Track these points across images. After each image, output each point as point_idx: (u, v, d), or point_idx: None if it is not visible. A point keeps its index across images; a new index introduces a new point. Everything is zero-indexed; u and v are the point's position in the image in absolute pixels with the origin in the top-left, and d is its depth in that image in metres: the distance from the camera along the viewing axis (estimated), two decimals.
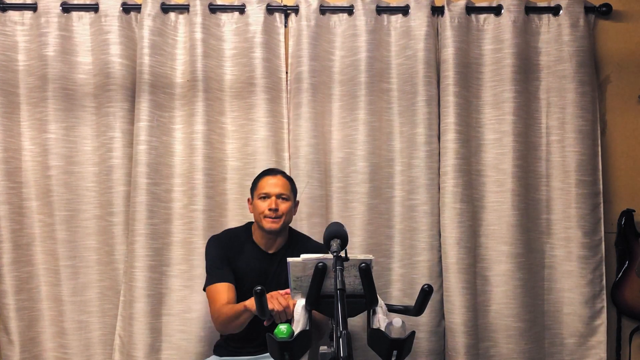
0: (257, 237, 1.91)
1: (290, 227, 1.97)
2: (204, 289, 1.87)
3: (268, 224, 1.82)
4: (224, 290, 1.78)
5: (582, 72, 2.23)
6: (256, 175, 1.96)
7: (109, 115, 2.18)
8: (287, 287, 1.77)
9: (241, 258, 1.88)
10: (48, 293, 2.20)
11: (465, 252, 2.18)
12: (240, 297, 1.80)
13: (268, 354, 1.80)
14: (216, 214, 2.19)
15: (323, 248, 1.96)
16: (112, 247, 2.19)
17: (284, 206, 1.83)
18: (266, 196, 1.83)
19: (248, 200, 1.95)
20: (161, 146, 2.17)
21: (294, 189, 1.92)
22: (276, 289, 1.75)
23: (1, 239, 2.14)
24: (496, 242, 2.23)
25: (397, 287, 2.25)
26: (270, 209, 1.81)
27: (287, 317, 1.57)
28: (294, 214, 1.94)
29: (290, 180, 1.91)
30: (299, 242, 1.95)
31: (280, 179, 1.87)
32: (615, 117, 2.36)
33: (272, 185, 1.84)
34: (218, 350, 1.97)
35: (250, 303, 1.60)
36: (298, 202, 1.99)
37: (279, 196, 1.83)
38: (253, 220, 1.92)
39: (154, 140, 2.15)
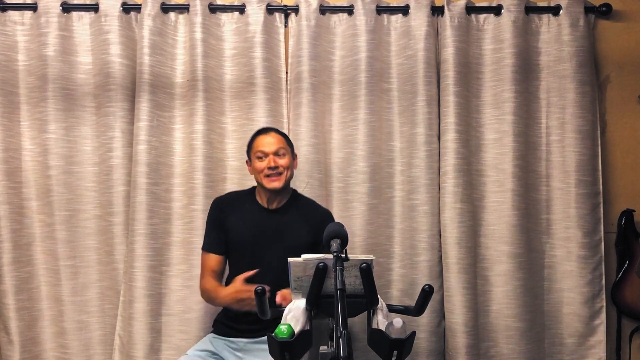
0: (259, 196, 1.92)
1: (296, 192, 2.00)
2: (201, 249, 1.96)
3: (270, 183, 1.82)
4: (210, 261, 1.88)
5: (582, 72, 2.23)
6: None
7: (109, 115, 2.18)
8: (289, 243, 1.83)
9: (237, 216, 1.89)
10: (48, 293, 2.20)
11: (465, 252, 2.18)
12: (240, 254, 1.87)
13: (264, 337, 1.80)
14: None
15: (324, 211, 1.99)
16: (112, 247, 2.19)
17: (282, 162, 1.83)
18: (263, 155, 1.83)
19: (246, 162, 1.95)
20: (161, 146, 2.17)
21: (289, 143, 1.92)
22: (271, 244, 1.83)
23: (1, 239, 2.14)
24: (496, 242, 2.23)
25: (398, 287, 2.25)
26: (269, 168, 1.81)
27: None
28: (295, 167, 1.95)
29: (284, 135, 1.92)
30: (300, 203, 1.96)
31: (274, 135, 1.87)
32: (615, 117, 2.36)
33: (267, 143, 1.84)
34: (217, 325, 1.94)
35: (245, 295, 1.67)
36: (296, 155, 1.99)
37: (276, 153, 1.83)
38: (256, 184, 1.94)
39: (154, 140, 2.15)
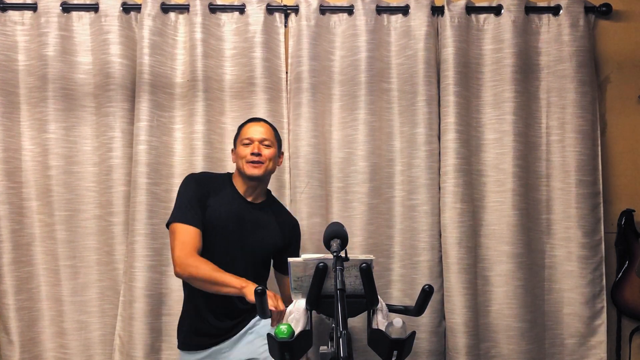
0: (237, 183, 1.86)
1: (268, 189, 1.95)
2: (168, 224, 1.76)
3: (250, 170, 1.78)
4: (196, 236, 1.71)
5: (582, 72, 2.24)
6: None
7: (109, 115, 2.18)
8: (264, 241, 1.82)
9: (217, 198, 1.80)
10: (48, 293, 2.20)
11: (465, 252, 2.18)
12: (213, 237, 1.76)
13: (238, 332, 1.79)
14: None
15: (294, 220, 1.99)
16: (112, 247, 2.19)
17: (267, 152, 1.80)
18: (249, 142, 1.80)
19: (232, 151, 1.91)
20: (161, 146, 2.17)
21: (278, 138, 1.90)
22: (253, 238, 1.80)
23: (1, 239, 2.14)
24: (497, 242, 2.23)
25: (398, 288, 2.25)
26: (252, 154, 1.77)
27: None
28: (279, 165, 1.91)
29: (274, 128, 1.89)
30: (275, 205, 1.94)
31: (263, 125, 1.85)
32: (615, 117, 2.36)
33: (255, 131, 1.82)
34: (187, 340, 1.86)
35: (249, 291, 1.52)
36: (283, 153, 1.96)
37: (262, 142, 1.80)
38: (234, 171, 1.89)
39: (154, 140, 2.15)
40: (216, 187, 1.83)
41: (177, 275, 1.71)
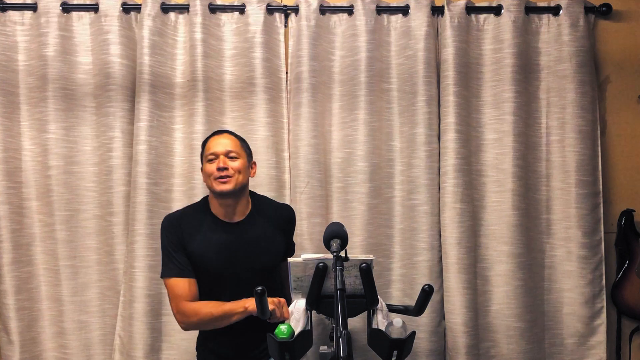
0: (214, 208, 1.74)
1: (253, 192, 1.85)
2: (162, 277, 1.72)
3: (219, 186, 1.66)
4: (185, 286, 1.66)
5: (582, 72, 2.24)
6: None
7: (109, 115, 2.18)
8: (260, 260, 1.74)
9: (198, 236, 1.70)
10: (48, 293, 2.20)
11: (465, 252, 2.18)
12: (202, 277, 1.70)
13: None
14: None
15: (286, 208, 1.90)
16: (112, 247, 2.19)
17: (234, 164, 1.68)
18: (214, 157, 1.69)
19: (201, 169, 1.78)
20: (161, 146, 2.17)
21: (245, 147, 1.78)
22: (246, 262, 1.71)
23: (1, 239, 2.14)
24: (496, 242, 2.23)
25: (397, 287, 2.25)
26: (218, 169, 1.66)
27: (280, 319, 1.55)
28: (252, 176, 1.80)
29: (240, 138, 1.78)
30: (263, 207, 1.82)
31: (227, 137, 1.73)
32: (615, 117, 2.36)
33: (217, 144, 1.70)
34: (201, 351, 1.84)
35: (252, 306, 1.53)
36: (255, 163, 1.84)
37: (227, 154, 1.69)
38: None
39: (154, 140, 2.15)
40: (194, 224, 1.72)
41: (184, 329, 1.69)
